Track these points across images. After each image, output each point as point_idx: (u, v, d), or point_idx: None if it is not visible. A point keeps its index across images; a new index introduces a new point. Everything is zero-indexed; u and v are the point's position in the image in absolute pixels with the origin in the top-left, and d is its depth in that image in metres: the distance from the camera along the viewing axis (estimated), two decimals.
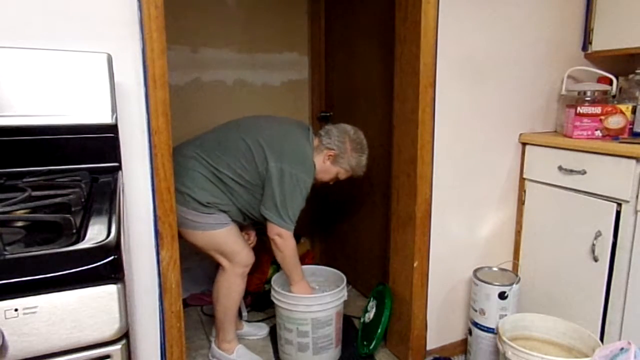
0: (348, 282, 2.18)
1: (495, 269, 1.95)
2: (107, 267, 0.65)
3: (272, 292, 1.92)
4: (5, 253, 0.63)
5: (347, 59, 2.54)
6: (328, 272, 2.12)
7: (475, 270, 1.89)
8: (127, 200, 1.34)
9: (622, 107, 1.76)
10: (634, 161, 1.54)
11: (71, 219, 0.74)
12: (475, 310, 1.84)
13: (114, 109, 1.18)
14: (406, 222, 1.88)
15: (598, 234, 1.67)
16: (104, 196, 0.94)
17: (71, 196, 0.86)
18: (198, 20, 2.50)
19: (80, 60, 1.13)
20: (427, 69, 1.71)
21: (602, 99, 1.86)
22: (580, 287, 1.76)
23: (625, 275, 1.61)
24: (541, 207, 1.92)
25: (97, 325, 0.66)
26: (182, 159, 1.75)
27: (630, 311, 1.61)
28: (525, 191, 1.99)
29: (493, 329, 1.79)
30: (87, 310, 0.65)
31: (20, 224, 0.78)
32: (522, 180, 2.00)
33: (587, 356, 1.56)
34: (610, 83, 1.85)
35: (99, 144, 1.18)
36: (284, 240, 1.79)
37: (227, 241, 1.83)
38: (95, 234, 0.70)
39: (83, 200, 0.89)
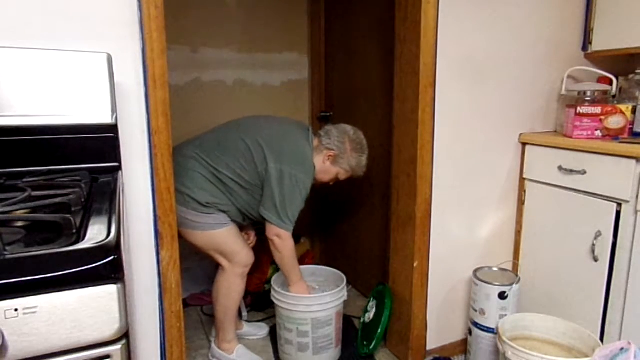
0: (348, 282, 2.18)
1: (495, 269, 1.95)
2: (107, 267, 0.65)
3: (272, 292, 1.92)
4: (5, 253, 0.63)
5: (347, 59, 2.54)
6: (328, 272, 2.12)
7: (475, 270, 1.90)
8: (127, 200, 1.34)
9: (622, 107, 1.76)
10: (634, 161, 1.54)
11: (71, 219, 0.74)
12: (475, 310, 1.84)
13: (114, 109, 1.18)
14: (406, 222, 1.88)
15: (598, 234, 1.67)
16: (104, 196, 0.94)
17: (71, 196, 0.86)
18: (198, 20, 2.50)
19: (80, 60, 1.13)
20: (427, 69, 1.71)
21: (602, 99, 1.86)
22: (580, 287, 1.76)
23: (625, 275, 1.61)
24: (541, 207, 1.92)
25: (97, 325, 0.66)
26: (182, 159, 1.75)
27: (630, 311, 1.61)
28: (525, 191, 1.99)
29: (493, 329, 1.79)
30: (87, 310, 0.65)
31: (20, 224, 0.78)
32: (522, 180, 2.00)
33: (587, 356, 1.56)
34: (610, 83, 1.85)
35: (99, 144, 1.18)
36: (282, 241, 1.79)
37: (227, 241, 1.83)
38: (95, 234, 0.70)
39: (83, 200, 0.89)
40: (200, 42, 2.52)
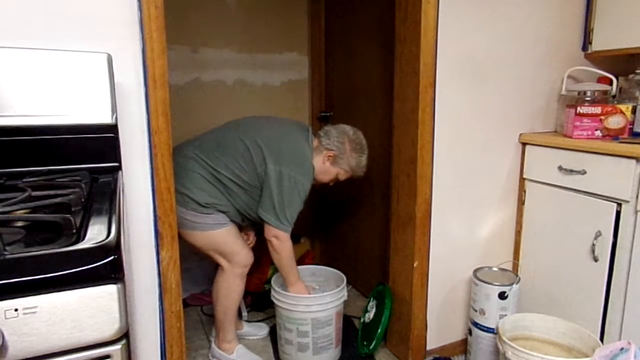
0: (348, 282, 2.18)
1: (495, 269, 1.95)
2: (107, 267, 0.65)
3: (272, 292, 1.92)
4: (5, 253, 0.63)
5: (347, 59, 2.54)
6: (328, 272, 2.12)
7: (475, 270, 1.89)
8: (127, 200, 1.34)
9: (622, 107, 1.76)
10: (634, 161, 1.54)
11: (71, 219, 0.74)
12: (475, 310, 1.84)
13: (114, 109, 1.18)
14: (406, 222, 1.88)
15: (598, 234, 1.67)
16: (104, 196, 0.94)
17: (71, 196, 0.86)
18: (198, 20, 2.50)
19: (80, 60, 1.13)
20: (427, 69, 1.71)
21: (602, 99, 1.86)
22: (580, 287, 1.76)
23: (625, 275, 1.61)
24: (541, 207, 1.92)
25: (97, 325, 0.66)
26: (182, 159, 1.75)
27: (630, 311, 1.61)
28: (525, 191, 1.99)
29: (493, 329, 1.79)
30: (87, 310, 0.65)
31: (20, 224, 0.78)
32: (522, 180, 2.00)
33: (587, 356, 1.56)
34: (610, 83, 1.85)
35: (99, 144, 1.18)
36: (281, 242, 1.79)
37: (226, 241, 1.83)
38: (95, 234, 0.70)
39: (83, 200, 0.89)
40: (200, 42, 2.52)
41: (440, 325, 2.00)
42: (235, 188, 1.77)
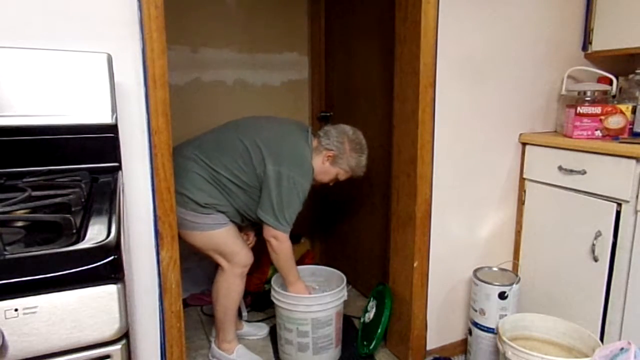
0: (348, 282, 2.18)
1: (495, 269, 1.95)
2: (107, 267, 0.65)
3: (272, 292, 1.92)
4: (5, 253, 0.63)
5: (347, 59, 2.54)
6: (328, 272, 2.12)
7: (475, 270, 1.90)
8: (127, 200, 1.34)
9: (622, 107, 1.76)
10: (634, 161, 1.54)
11: (71, 219, 0.74)
12: (475, 310, 1.84)
13: (114, 109, 1.18)
14: (406, 222, 1.88)
15: (598, 234, 1.67)
16: (104, 196, 0.94)
17: (71, 196, 0.86)
18: (198, 20, 2.50)
19: (80, 60, 1.13)
20: (427, 69, 1.71)
21: (602, 99, 1.86)
22: (580, 287, 1.76)
23: (625, 275, 1.61)
24: (541, 207, 1.92)
25: (97, 325, 0.66)
26: (181, 159, 1.75)
27: (630, 311, 1.61)
28: (525, 191, 1.99)
29: (493, 329, 1.79)
30: (87, 310, 0.65)
31: (20, 224, 0.78)
32: (522, 180, 2.00)
33: (587, 356, 1.56)
34: (610, 83, 1.85)
35: (99, 144, 1.18)
36: (280, 243, 1.79)
37: (226, 241, 1.83)
38: (95, 234, 0.70)
39: (83, 200, 0.89)
40: (200, 42, 2.52)
41: (440, 325, 2.00)
42: (235, 188, 1.77)
